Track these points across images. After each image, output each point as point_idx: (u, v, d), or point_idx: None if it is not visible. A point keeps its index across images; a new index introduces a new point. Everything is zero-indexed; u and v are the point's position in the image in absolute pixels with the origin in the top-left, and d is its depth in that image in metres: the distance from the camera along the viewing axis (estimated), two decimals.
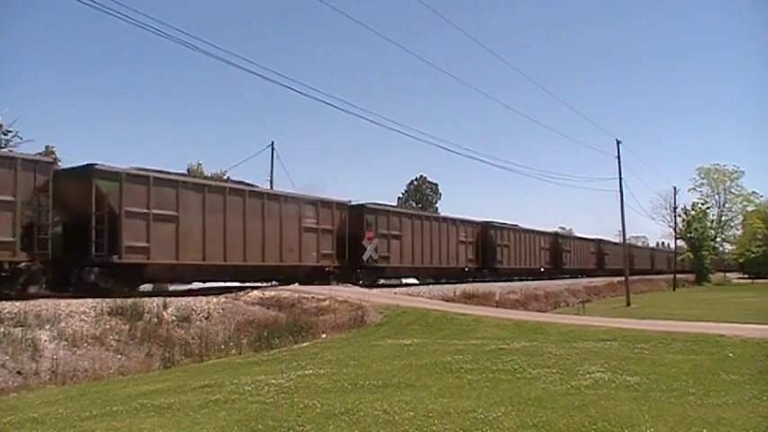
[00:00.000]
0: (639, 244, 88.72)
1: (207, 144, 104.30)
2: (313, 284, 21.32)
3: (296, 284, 21.09)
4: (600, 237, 55.98)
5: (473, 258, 33.36)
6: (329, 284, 22.05)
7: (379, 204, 27.26)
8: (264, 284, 21.28)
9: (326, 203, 23.78)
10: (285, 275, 21.85)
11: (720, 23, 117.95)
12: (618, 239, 51.23)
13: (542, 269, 41.83)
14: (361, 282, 24.66)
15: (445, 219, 32.43)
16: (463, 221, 33.13)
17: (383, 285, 26.48)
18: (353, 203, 25.51)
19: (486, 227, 34.89)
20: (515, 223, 39.32)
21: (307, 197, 23.31)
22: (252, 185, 22.14)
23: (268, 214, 20.83)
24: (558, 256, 44.62)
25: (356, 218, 24.97)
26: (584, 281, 42.98)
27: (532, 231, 41.29)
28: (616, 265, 50.63)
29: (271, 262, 20.89)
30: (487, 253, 34.51)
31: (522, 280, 36.75)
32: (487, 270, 34.28)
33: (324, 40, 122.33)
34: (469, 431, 5.43)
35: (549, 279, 40.45)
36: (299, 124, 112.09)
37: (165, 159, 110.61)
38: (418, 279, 31.39)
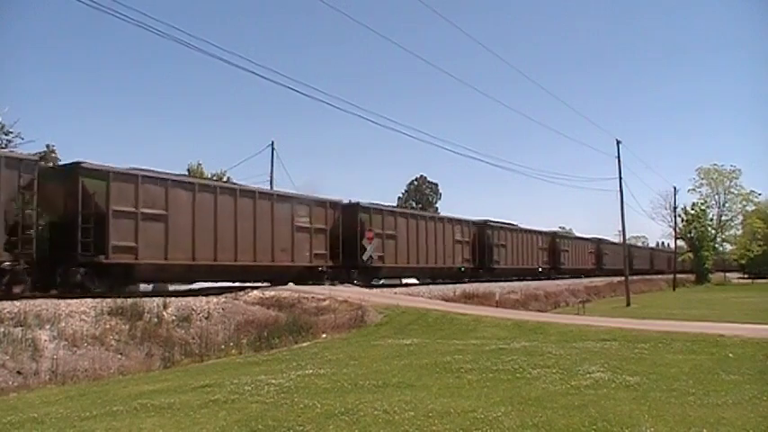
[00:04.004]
0: (639, 244, 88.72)
1: (207, 144, 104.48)
2: (306, 285, 21.10)
3: (290, 284, 20.95)
4: (599, 236, 56.06)
5: (469, 258, 32.99)
6: (323, 284, 21.84)
7: (374, 204, 26.80)
8: (264, 284, 21.23)
9: (319, 203, 23.41)
10: (277, 275, 21.47)
11: (720, 23, 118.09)
12: (618, 239, 51.23)
13: (540, 269, 41.72)
14: (355, 282, 24.45)
15: (441, 218, 32.10)
16: (459, 221, 32.69)
17: (383, 285, 26.41)
18: (347, 202, 25.14)
19: (482, 226, 34.55)
20: (513, 223, 39.24)
21: (299, 196, 22.94)
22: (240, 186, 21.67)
23: (260, 213, 20.42)
24: (556, 255, 44.48)
25: (350, 217, 24.61)
26: (585, 281, 42.96)
27: (530, 231, 41.08)
28: (615, 265, 50.62)
29: (263, 262, 20.51)
30: (484, 253, 34.14)
31: (519, 280, 36.56)
32: (484, 270, 33.88)
33: (324, 40, 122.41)
34: (469, 431, 5.43)
35: (548, 279, 40.41)
36: (298, 124, 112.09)
37: (166, 159, 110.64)
38: (418, 279, 31.34)
